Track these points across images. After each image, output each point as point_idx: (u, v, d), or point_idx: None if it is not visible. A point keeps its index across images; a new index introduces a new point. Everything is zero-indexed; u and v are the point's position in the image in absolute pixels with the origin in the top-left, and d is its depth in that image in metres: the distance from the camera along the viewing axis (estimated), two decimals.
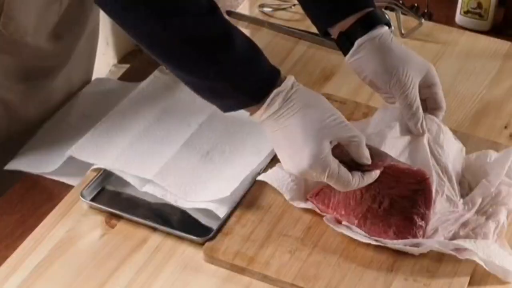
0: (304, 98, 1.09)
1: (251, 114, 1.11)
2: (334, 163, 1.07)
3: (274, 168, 1.18)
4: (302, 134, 1.07)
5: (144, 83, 1.37)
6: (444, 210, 1.15)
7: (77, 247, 1.12)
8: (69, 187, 1.21)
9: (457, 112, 1.37)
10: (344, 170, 1.07)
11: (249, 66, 1.08)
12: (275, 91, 1.08)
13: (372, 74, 1.22)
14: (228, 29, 1.07)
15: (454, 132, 1.29)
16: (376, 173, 1.10)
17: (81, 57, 1.38)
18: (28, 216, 1.17)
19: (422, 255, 1.10)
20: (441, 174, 1.18)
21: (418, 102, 1.21)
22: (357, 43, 1.22)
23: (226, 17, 1.46)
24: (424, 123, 1.22)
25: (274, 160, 1.24)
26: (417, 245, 1.10)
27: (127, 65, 1.49)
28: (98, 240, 1.13)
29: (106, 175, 1.22)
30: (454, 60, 1.49)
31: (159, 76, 1.39)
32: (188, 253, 1.12)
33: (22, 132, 1.29)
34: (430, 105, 1.25)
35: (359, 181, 1.08)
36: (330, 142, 1.08)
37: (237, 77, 1.07)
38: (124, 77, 1.44)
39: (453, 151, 1.22)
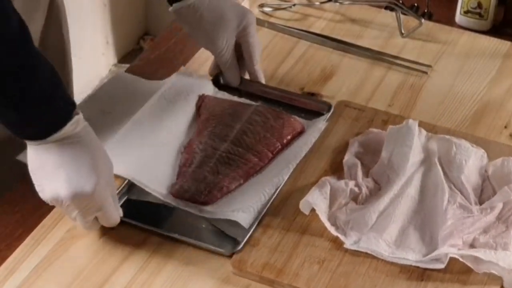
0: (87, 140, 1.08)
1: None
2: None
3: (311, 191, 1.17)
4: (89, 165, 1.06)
5: (165, 86, 1.35)
6: (457, 216, 1.14)
7: (77, 247, 1.12)
8: None
9: (457, 112, 1.37)
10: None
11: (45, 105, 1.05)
12: (65, 129, 1.05)
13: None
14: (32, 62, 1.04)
15: (454, 132, 1.29)
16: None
17: None
18: (28, 216, 1.17)
19: (452, 264, 1.09)
20: (453, 187, 1.18)
21: (231, 59, 1.33)
22: (173, 8, 1.30)
23: None
24: (237, 72, 1.35)
25: (295, 170, 1.22)
26: (440, 259, 1.08)
27: (127, 65, 1.49)
28: (98, 240, 1.13)
29: (129, 186, 1.19)
30: (454, 60, 1.49)
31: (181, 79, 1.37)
32: (188, 252, 1.12)
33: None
34: (244, 49, 1.34)
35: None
36: None
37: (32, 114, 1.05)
38: None
39: (469, 161, 1.21)
